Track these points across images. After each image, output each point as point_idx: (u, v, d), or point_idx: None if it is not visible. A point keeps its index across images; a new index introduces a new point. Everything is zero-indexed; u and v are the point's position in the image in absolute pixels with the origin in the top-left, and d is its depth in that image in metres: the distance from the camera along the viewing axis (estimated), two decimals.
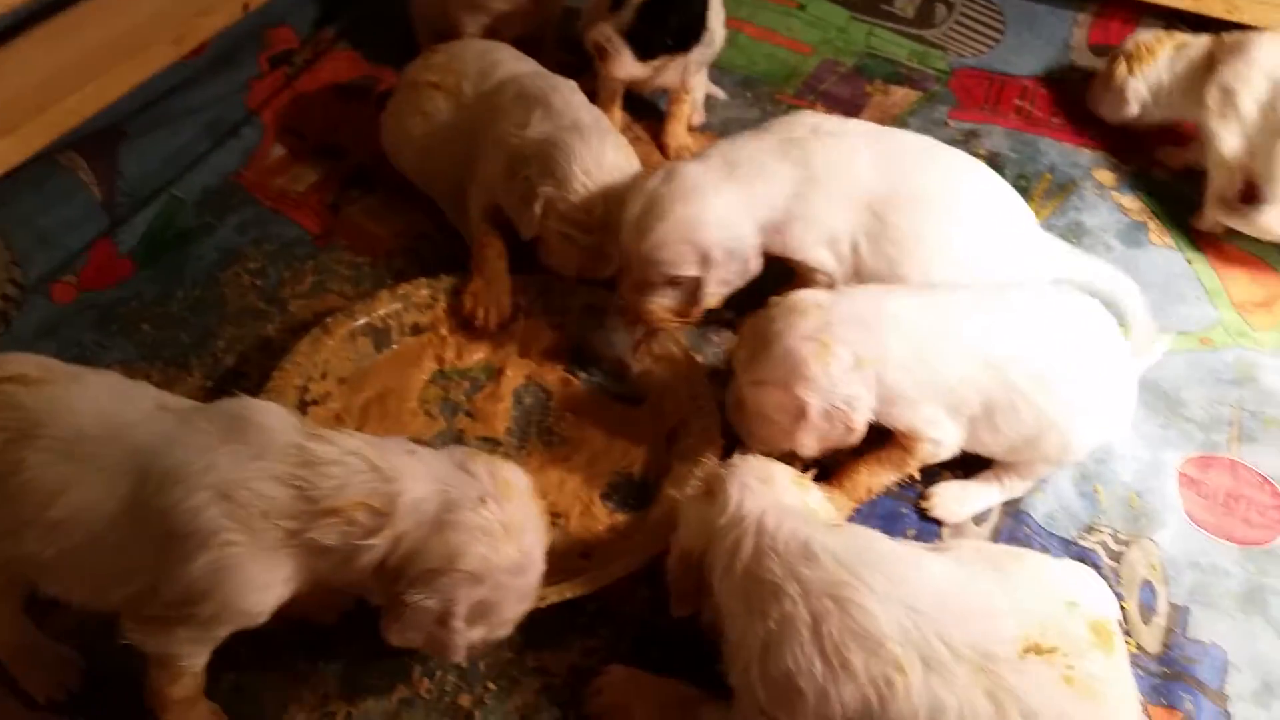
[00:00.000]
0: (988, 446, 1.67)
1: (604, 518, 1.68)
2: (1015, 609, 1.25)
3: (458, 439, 1.78)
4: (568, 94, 1.96)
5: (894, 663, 1.20)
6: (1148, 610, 1.61)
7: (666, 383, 1.82)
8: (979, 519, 1.71)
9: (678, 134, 2.35)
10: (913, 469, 1.67)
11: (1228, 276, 2.15)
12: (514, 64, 2.09)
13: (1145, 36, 2.33)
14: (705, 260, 1.73)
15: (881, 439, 1.65)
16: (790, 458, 1.53)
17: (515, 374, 1.87)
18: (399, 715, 1.46)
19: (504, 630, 1.37)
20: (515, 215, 1.90)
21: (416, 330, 1.90)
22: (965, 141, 2.37)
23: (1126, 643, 1.52)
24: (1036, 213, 2.00)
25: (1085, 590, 1.34)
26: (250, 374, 1.85)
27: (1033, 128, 2.47)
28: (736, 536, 1.31)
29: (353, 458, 1.26)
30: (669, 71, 2.20)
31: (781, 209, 1.78)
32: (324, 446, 1.26)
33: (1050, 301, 1.67)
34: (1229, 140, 2.14)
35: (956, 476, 1.72)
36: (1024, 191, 2.07)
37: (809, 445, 1.58)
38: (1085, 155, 2.40)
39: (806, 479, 1.45)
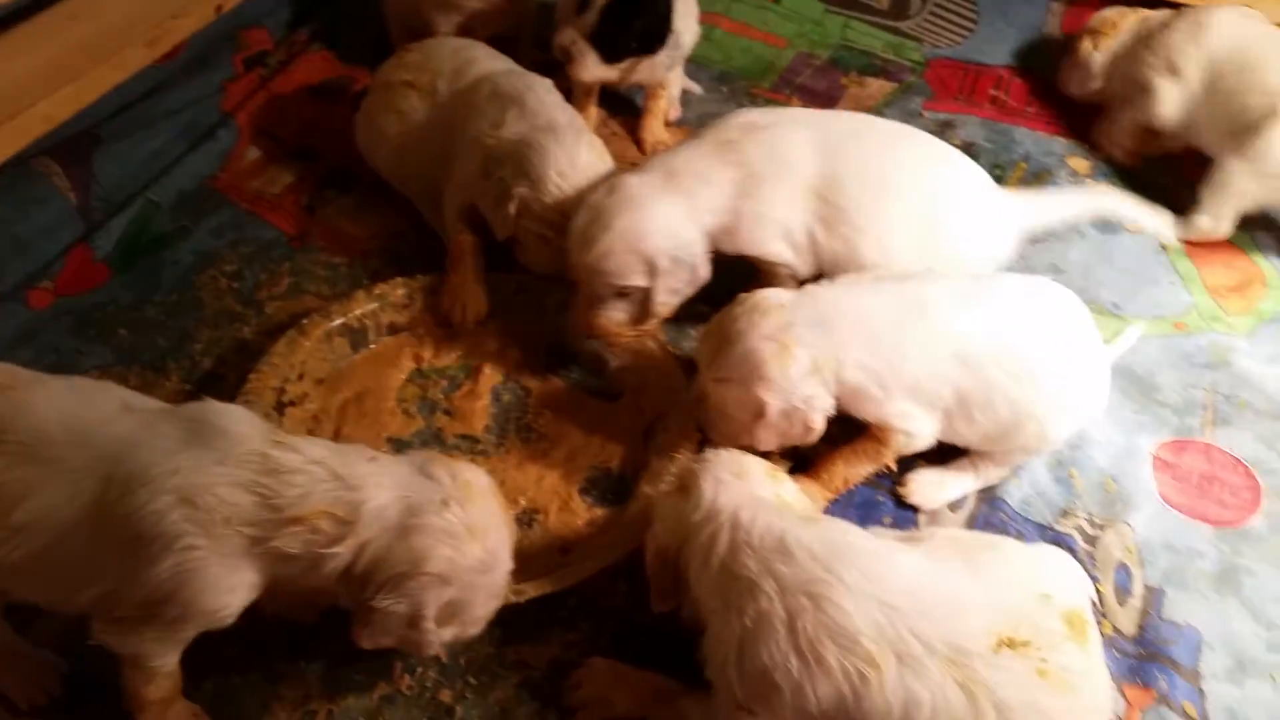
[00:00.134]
0: (964, 437, 1.68)
1: (583, 513, 1.69)
2: (989, 603, 1.26)
3: (436, 437, 1.78)
4: (542, 93, 1.96)
5: (868, 658, 1.21)
6: (1123, 593, 1.63)
7: (644, 378, 1.83)
8: (955, 505, 1.73)
9: (654, 129, 2.36)
10: (889, 460, 1.68)
11: (1201, 261, 2.16)
12: (489, 62, 2.09)
13: (1109, 12, 2.36)
14: (652, 269, 1.74)
15: (860, 429, 1.67)
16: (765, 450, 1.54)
17: (493, 372, 1.88)
18: (380, 712, 1.46)
19: (476, 628, 1.38)
20: (490, 215, 1.90)
21: (394, 330, 1.90)
22: (940, 132, 2.35)
23: (1102, 624, 1.54)
24: None
25: (1060, 578, 1.35)
26: (228, 376, 1.85)
27: (1007, 117, 2.48)
28: (712, 532, 1.31)
29: (316, 466, 1.27)
30: (639, 72, 2.21)
31: (728, 210, 1.78)
32: (288, 454, 1.27)
33: (1021, 291, 1.68)
34: (1167, 99, 2.18)
35: (933, 464, 1.73)
36: (999, 180, 2.07)
37: (768, 441, 1.61)
38: (1060, 143, 2.41)
39: (781, 471, 1.46)
